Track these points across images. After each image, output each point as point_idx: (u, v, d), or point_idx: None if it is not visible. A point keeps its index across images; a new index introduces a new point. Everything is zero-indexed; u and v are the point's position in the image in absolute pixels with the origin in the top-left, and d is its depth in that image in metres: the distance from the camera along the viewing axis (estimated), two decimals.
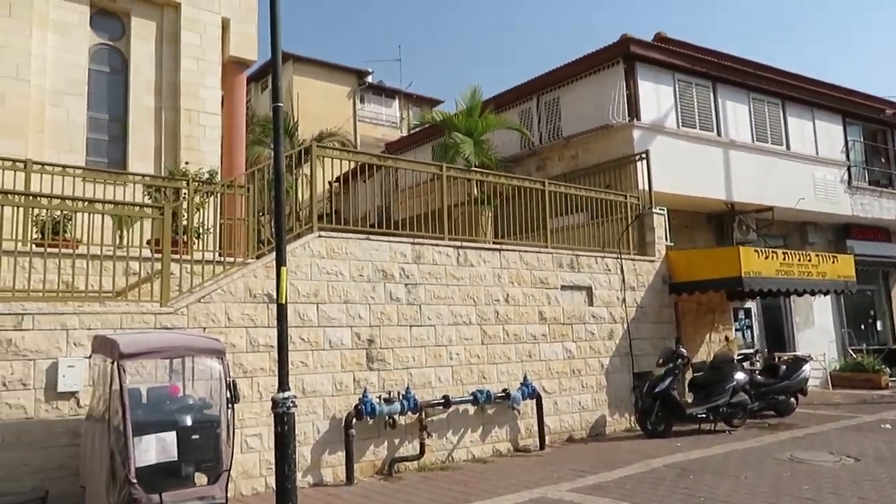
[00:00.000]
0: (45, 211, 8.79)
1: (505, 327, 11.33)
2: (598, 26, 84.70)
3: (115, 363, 6.17)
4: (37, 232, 9.08)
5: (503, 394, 10.74)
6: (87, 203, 8.72)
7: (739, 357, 14.03)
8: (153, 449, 6.07)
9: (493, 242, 12.17)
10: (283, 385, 6.91)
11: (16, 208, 8.32)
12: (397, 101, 34.30)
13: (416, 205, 12.33)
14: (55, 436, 7.21)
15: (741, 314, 17.30)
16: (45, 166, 10.00)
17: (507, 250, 11.75)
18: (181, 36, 14.66)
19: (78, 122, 13.54)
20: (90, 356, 7.24)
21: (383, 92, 34.04)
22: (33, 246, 8.61)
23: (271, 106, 7.62)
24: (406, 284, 10.31)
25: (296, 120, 23.46)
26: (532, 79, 17.79)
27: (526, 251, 12.00)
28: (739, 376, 12.52)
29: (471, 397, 10.44)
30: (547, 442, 11.15)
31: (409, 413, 9.67)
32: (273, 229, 9.58)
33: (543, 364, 11.73)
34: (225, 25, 15.50)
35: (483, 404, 10.54)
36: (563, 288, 12.34)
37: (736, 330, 16.51)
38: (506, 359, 11.24)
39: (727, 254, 13.81)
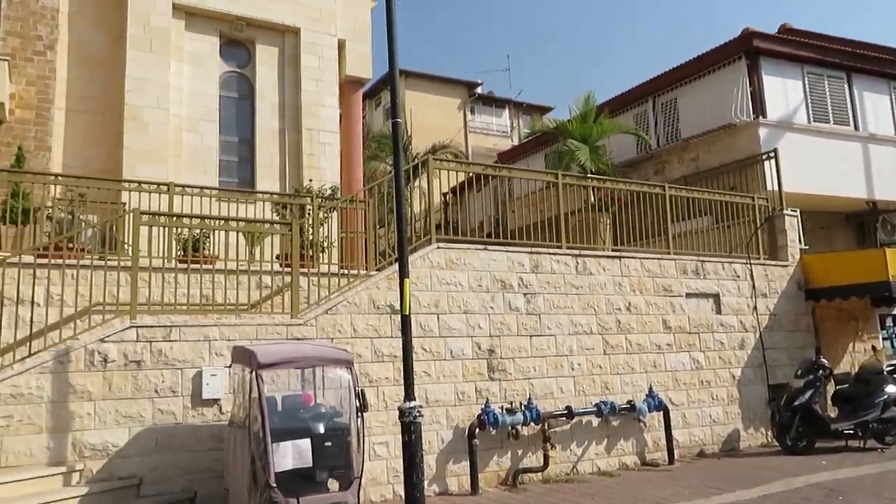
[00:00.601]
0: (186, 230, 9.43)
1: (627, 337, 11.01)
2: (712, 23, 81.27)
3: (253, 372, 6.49)
4: (179, 249, 9.74)
5: (628, 405, 10.42)
6: (222, 221, 9.26)
7: (889, 368, 12.90)
8: (290, 455, 6.32)
9: (613, 250, 11.87)
10: (408, 395, 7.04)
11: (161, 228, 8.96)
12: (507, 110, 34.35)
13: (531, 213, 12.26)
14: (201, 440, 7.68)
15: (889, 322, 15.92)
16: (185, 188, 10.72)
17: (628, 257, 11.42)
18: (301, 59, 15.38)
19: (211, 145, 14.49)
20: (230, 365, 7.67)
21: (493, 102, 34.19)
22: (176, 262, 9.23)
23: (390, 122, 7.82)
24: (525, 294, 10.25)
25: (409, 134, 23.98)
26: (647, 80, 17.29)
27: (647, 258, 11.62)
28: (891, 389, 11.49)
29: (594, 409, 10.19)
30: (676, 456, 10.70)
31: (532, 424, 9.57)
32: (392, 242, 9.83)
33: (669, 375, 11.29)
34: (341, 46, 16.12)
35: (607, 416, 10.26)
36: (689, 296, 11.84)
37: (883, 339, 15.19)
38: (629, 369, 10.91)
39: (872, 256, 12.76)
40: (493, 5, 79.70)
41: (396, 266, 8.02)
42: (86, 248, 9.16)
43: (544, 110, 34.17)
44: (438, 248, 9.77)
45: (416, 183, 17.47)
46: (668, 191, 12.48)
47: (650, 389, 10.78)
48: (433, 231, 10.04)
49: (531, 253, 10.52)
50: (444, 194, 20.47)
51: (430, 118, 29.47)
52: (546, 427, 9.64)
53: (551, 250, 10.77)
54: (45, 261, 8.05)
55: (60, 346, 7.38)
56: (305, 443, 6.43)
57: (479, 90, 33.39)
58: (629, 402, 10.47)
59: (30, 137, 12.62)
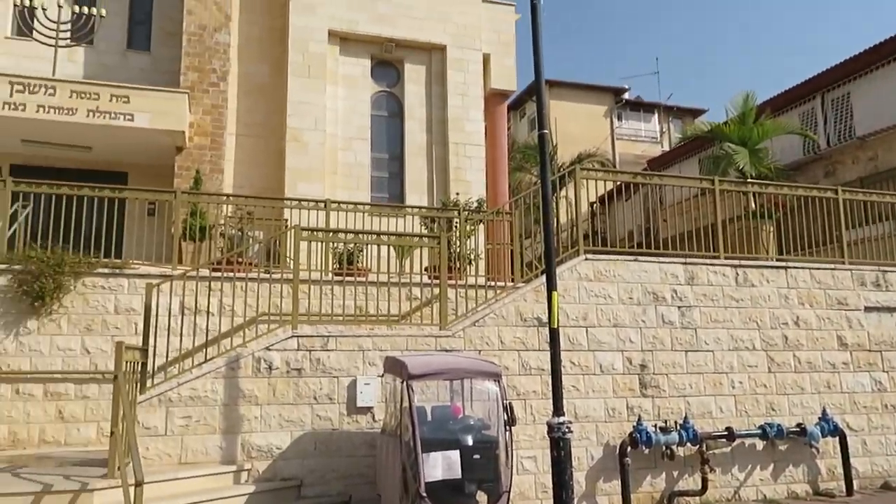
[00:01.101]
0: (341, 244, 9.91)
1: (796, 354, 10.14)
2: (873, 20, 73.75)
3: (404, 383, 6.65)
4: (335, 262, 10.26)
5: (797, 429, 9.58)
6: (374, 236, 9.62)
7: None
8: (440, 466, 6.40)
9: (777, 259, 11.02)
10: (557, 409, 6.90)
11: (319, 243, 9.47)
12: (656, 115, 33.13)
13: (684, 222, 11.68)
14: (356, 446, 8.00)
15: None
16: (340, 204, 11.28)
17: (795, 268, 10.54)
18: (447, 75, 15.74)
19: (364, 162, 15.18)
20: (382, 375, 7.93)
21: (641, 107, 33.11)
22: (333, 275, 9.71)
23: (536, 133, 7.76)
24: (679, 307, 9.75)
25: (555, 144, 23.77)
26: (814, 76, 16.00)
27: (818, 268, 10.66)
28: None
29: (759, 431, 9.46)
30: (855, 487, 9.67)
31: (689, 444, 9.05)
32: (538, 253, 9.74)
33: (846, 396, 10.26)
34: (486, 60, 16.32)
35: (773, 439, 9.49)
36: (868, 309, 10.71)
37: None
38: (798, 389, 10.03)
39: None
40: (640, 6, 77.32)
41: (544, 278, 7.92)
42: (253, 262, 9.89)
43: (696, 113, 32.60)
44: (586, 259, 9.55)
45: (563, 193, 17.23)
46: (841, 194, 11.40)
47: (824, 412, 9.85)
48: (581, 242, 9.83)
49: (686, 263, 10.00)
50: (592, 204, 20.06)
51: (575, 127, 29.05)
52: (704, 448, 9.08)
53: (708, 260, 10.18)
54: (218, 274, 8.76)
55: (231, 354, 7.99)
56: (455, 454, 6.49)
57: (626, 96, 32.47)
58: (799, 425, 9.62)
59: (206, 161, 13.87)
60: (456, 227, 11.21)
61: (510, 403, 6.90)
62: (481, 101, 16.03)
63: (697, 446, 9.07)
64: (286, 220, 11.95)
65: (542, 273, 8.92)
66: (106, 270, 9.22)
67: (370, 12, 15.37)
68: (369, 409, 8.17)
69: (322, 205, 11.00)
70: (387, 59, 15.85)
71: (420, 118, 15.77)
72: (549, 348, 7.10)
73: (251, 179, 14.75)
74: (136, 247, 10.75)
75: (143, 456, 7.04)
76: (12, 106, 12.23)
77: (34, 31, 13.72)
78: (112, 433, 6.45)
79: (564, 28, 69.67)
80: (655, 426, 9.02)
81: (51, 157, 13.96)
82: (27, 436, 8.59)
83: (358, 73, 15.50)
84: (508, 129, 24.53)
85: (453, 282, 9.58)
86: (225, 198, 11.57)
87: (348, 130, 15.15)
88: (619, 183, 15.59)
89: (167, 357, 8.38)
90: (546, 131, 7.60)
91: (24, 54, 14.36)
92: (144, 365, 7.81)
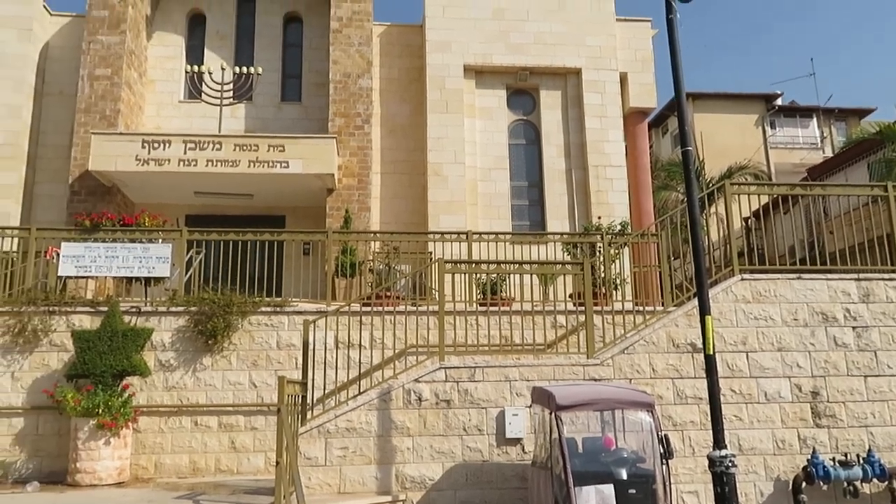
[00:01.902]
0: (484, 275, 10.01)
1: None
2: None
3: (553, 414, 6.54)
4: (479, 293, 10.37)
5: None
6: (517, 265, 9.62)
7: None
8: (593, 500, 6.20)
9: None
10: (718, 442, 6.47)
11: (463, 274, 9.63)
12: (815, 119, 30.69)
13: (854, 234, 10.68)
14: (506, 478, 7.94)
15: None
16: (482, 235, 11.42)
17: None
18: (584, 98, 15.59)
19: (503, 192, 15.31)
20: (530, 406, 7.85)
21: (797, 112, 30.82)
22: (477, 305, 9.81)
23: (680, 150, 7.45)
24: (854, 328, 8.87)
25: (701, 158, 22.73)
26: None
27: None
28: None
29: None
30: None
31: (875, 480, 8.15)
32: (689, 274, 9.28)
33: None
34: (623, 79, 15.99)
35: None
36: None
37: None
38: None
39: None
40: (786, 4, 72.57)
41: (695, 301, 7.54)
42: (400, 296, 10.22)
43: (862, 113, 29.84)
44: (742, 279, 8.97)
45: (712, 209, 16.38)
46: None
47: None
48: (735, 261, 9.25)
49: (859, 279, 9.11)
50: (745, 219, 18.86)
51: (722, 138, 27.59)
52: (894, 485, 8.14)
53: (885, 275, 9.21)
54: (368, 309, 9.13)
55: (383, 386, 8.26)
56: (609, 488, 6.27)
57: (778, 102, 30.41)
58: None
59: (354, 200, 14.60)
60: (599, 251, 10.97)
61: (666, 435, 6.57)
62: (620, 121, 15.69)
63: (886, 482, 8.15)
64: (430, 253, 12.30)
65: (693, 296, 8.49)
66: (268, 309, 9.90)
67: (503, 43, 15.61)
68: (518, 440, 8.10)
69: (464, 236, 11.19)
70: (522, 88, 15.98)
71: (558, 143, 15.69)
72: (705, 375, 6.72)
73: (396, 214, 15.34)
74: (294, 284, 11.47)
75: (305, 485, 7.43)
76: (186, 162, 13.58)
77: (202, 94, 15.21)
78: (277, 463, 6.85)
79: (705, 38, 66.78)
80: (833, 460, 8.22)
81: (218, 205, 15.30)
82: (205, 464, 9.34)
83: (494, 103, 15.73)
84: (650, 146, 23.79)
85: (599, 308, 9.35)
86: (372, 235, 12.08)
87: (487, 161, 15.38)
88: (773, 196, 14.61)
89: (324, 389, 8.83)
90: (690, 148, 7.28)
91: (195, 115, 15.96)
92: (304, 398, 8.25)
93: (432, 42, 15.45)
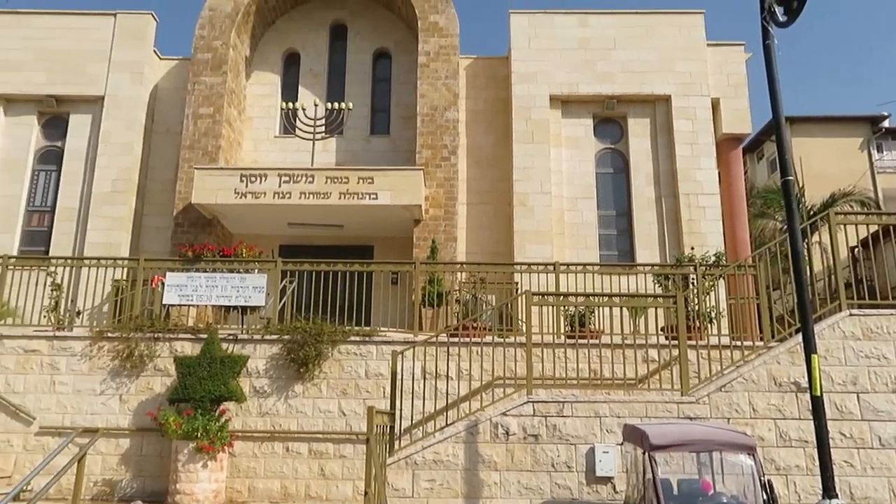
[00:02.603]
0: (572, 306, 9.85)
1: None
2: None
3: (646, 454, 6.31)
4: (566, 325, 10.20)
5: None
6: (606, 298, 9.42)
7: None
8: None
9: None
10: (828, 489, 6.08)
11: (550, 307, 9.51)
12: None
13: None
14: None
15: None
16: (569, 266, 11.26)
17: None
18: (673, 125, 15.24)
19: (590, 221, 15.10)
20: (622, 443, 7.61)
21: None
22: (565, 338, 9.65)
23: (780, 178, 7.15)
24: None
25: (801, 185, 21.71)
26: None
27: None
28: None
29: None
30: None
31: None
32: (790, 307, 8.83)
33: None
34: (714, 105, 15.55)
35: None
36: None
37: None
38: None
39: None
40: (884, 16, 68.80)
41: (798, 337, 7.19)
42: (486, 326, 10.18)
43: None
44: (851, 314, 8.46)
45: (815, 238, 15.60)
46: None
47: None
48: (842, 295, 8.74)
49: None
50: (852, 249, 17.82)
51: (824, 164, 26.27)
52: None
53: None
54: (455, 340, 9.15)
55: (470, 419, 8.22)
56: None
57: (885, 124, 28.72)
58: None
59: (440, 231, 14.74)
60: (693, 283, 10.60)
61: (769, 480, 6.20)
62: (712, 147, 15.23)
63: None
64: (516, 283, 12.23)
65: (796, 331, 8.07)
66: (357, 338, 10.08)
67: (590, 73, 15.52)
68: (609, 478, 7.86)
69: (551, 267, 11.07)
70: (609, 116, 15.80)
71: (647, 172, 15.37)
72: (811, 417, 6.35)
73: (482, 244, 15.37)
74: (382, 313, 11.64)
75: None
76: (280, 195, 14.13)
77: (296, 129, 15.85)
78: (366, 493, 6.92)
79: (802, 61, 64.17)
80: None
81: (310, 236, 15.80)
82: (295, 490, 9.52)
83: (580, 133, 15.61)
84: (745, 173, 22.97)
85: (693, 342, 9.01)
86: (459, 266, 12.15)
87: (573, 190, 15.24)
88: (882, 225, 13.76)
89: (412, 419, 8.87)
90: (791, 178, 6.98)
91: (289, 149, 16.64)
92: (392, 428, 8.31)
93: (518, 73, 15.54)
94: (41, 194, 15.84)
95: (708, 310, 10.12)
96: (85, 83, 15.89)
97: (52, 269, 11.48)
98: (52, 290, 11.15)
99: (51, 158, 16.05)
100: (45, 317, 10.95)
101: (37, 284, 10.88)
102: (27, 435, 9.71)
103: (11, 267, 10.98)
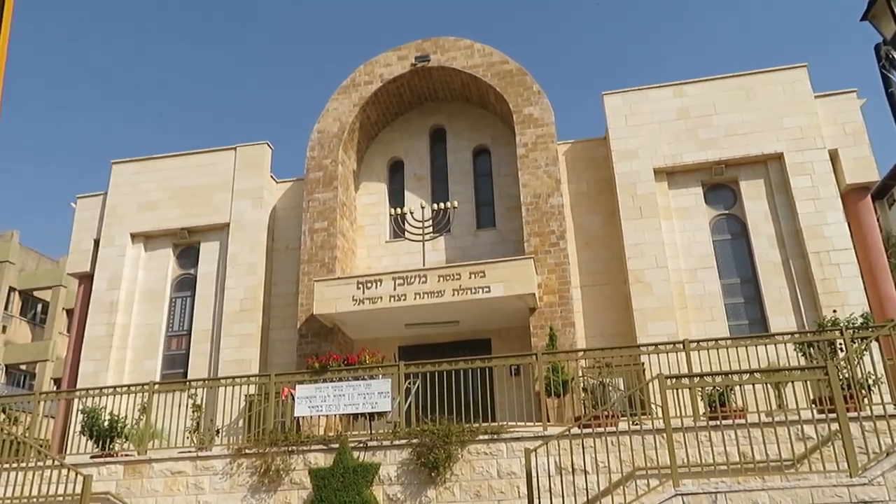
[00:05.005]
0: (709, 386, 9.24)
1: None
2: None
3: None
4: (705, 405, 9.56)
5: None
6: (747, 375, 8.78)
7: None
8: None
9: None
10: None
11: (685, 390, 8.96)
12: None
13: None
14: None
15: None
16: (700, 343, 10.66)
17: None
18: (790, 182, 14.55)
19: (714, 291, 14.39)
20: None
21: None
22: (707, 420, 9.01)
23: None
24: None
25: None
26: None
27: None
28: None
29: None
30: None
31: None
32: None
33: None
34: (833, 156, 14.77)
35: None
36: None
37: None
38: None
39: None
40: None
41: None
42: (616, 413, 9.70)
43: None
44: None
45: None
46: None
47: None
48: None
49: None
50: None
51: None
52: None
53: None
54: (589, 430, 8.75)
55: None
56: None
57: None
58: None
59: (557, 317, 14.49)
60: (841, 349, 9.74)
61: None
62: (837, 200, 14.33)
63: None
64: (643, 364, 11.69)
65: None
66: (486, 437, 9.85)
67: (692, 141, 15.23)
68: None
69: (680, 345, 10.52)
70: (719, 182, 15.31)
71: (768, 234, 14.62)
72: None
73: (601, 327, 14.95)
74: (505, 406, 11.39)
75: None
76: (396, 297, 14.45)
77: (406, 233, 16.35)
78: None
79: None
80: None
81: (427, 335, 15.94)
82: None
83: (690, 202, 15.18)
84: (877, 220, 21.41)
85: (853, 414, 8.17)
86: (582, 353, 11.80)
87: (691, 262, 14.67)
88: None
89: None
90: None
91: (400, 252, 17.15)
92: None
93: (618, 151, 15.47)
94: (178, 319, 17.00)
95: (864, 377, 9.21)
96: (212, 213, 17.24)
97: (193, 390, 12.11)
98: (193, 412, 11.73)
99: (185, 285, 17.31)
100: (187, 437, 11.48)
101: (178, 406, 11.47)
102: None
103: (157, 392, 11.66)
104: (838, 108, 15.14)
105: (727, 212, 15.23)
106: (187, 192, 17.54)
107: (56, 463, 9.41)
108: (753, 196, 14.96)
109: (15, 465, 9.72)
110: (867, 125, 15.23)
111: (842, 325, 10.16)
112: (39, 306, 36.59)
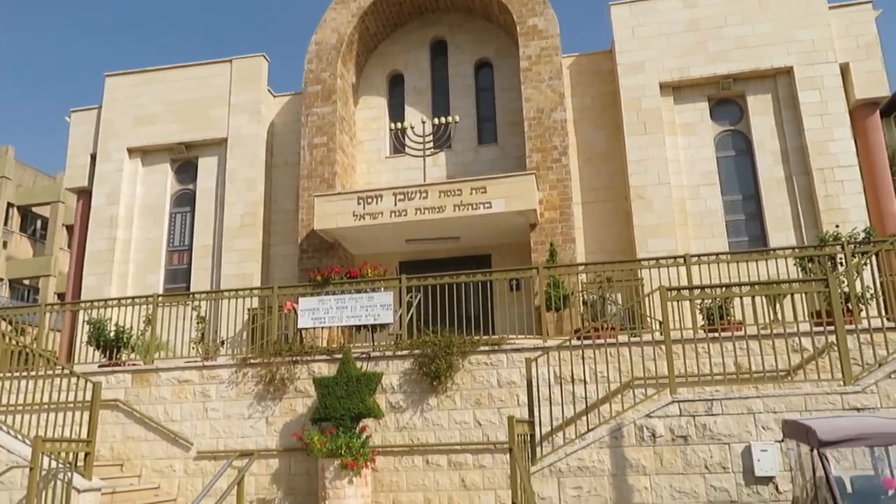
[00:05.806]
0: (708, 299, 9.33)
1: None
2: None
3: (814, 451, 5.81)
4: (703, 319, 9.68)
5: None
6: (747, 288, 8.84)
7: None
8: None
9: None
10: None
11: (685, 301, 9.05)
12: None
13: None
14: None
15: None
16: (700, 258, 10.69)
17: None
18: (799, 97, 14.26)
19: (715, 208, 14.35)
20: (781, 440, 7.08)
21: None
22: (706, 332, 9.13)
23: None
24: None
25: None
26: None
27: None
28: None
29: None
30: None
31: None
32: None
33: None
34: (844, 70, 14.43)
35: None
36: None
37: None
38: None
39: None
40: None
41: None
42: (615, 326, 9.83)
43: None
44: None
45: None
46: None
47: None
48: None
49: None
50: None
51: None
52: None
53: None
54: (589, 342, 8.90)
55: (612, 423, 7.93)
56: None
57: None
58: None
59: (557, 233, 14.50)
60: (840, 264, 9.78)
61: None
62: (846, 116, 14.09)
63: None
64: (641, 279, 11.78)
65: None
66: (486, 348, 10.02)
67: (701, 54, 14.83)
68: (770, 478, 7.33)
69: (681, 260, 10.56)
70: (726, 97, 15.01)
71: (773, 150, 14.45)
72: None
73: (602, 243, 14.98)
74: (505, 320, 11.55)
75: None
76: (397, 213, 14.40)
77: (406, 148, 16.14)
78: (514, 503, 6.80)
79: None
80: None
81: (427, 250, 15.98)
82: (438, 502, 9.56)
83: (696, 118, 14.92)
84: (884, 138, 21.10)
85: (851, 327, 8.29)
86: (583, 266, 11.85)
87: (693, 178, 14.56)
88: None
89: (551, 426, 8.69)
90: None
91: (400, 168, 16.98)
92: (532, 436, 8.17)
93: (624, 65, 15.08)
94: (178, 234, 17.01)
95: (863, 291, 9.30)
96: (209, 128, 16.96)
97: (196, 303, 12.24)
98: (197, 323, 11.88)
99: (184, 201, 17.23)
100: (192, 348, 11.68)
101: (182, 318, 11.62)
102: (187, 460, 10.34)
103: (161, 304, 11.78)
104: (852, 19, 14.67)
105: (732, 128, 15.01)
106: (184, 106, 17.19)
107: (66, 371, 9.58)
108: (760, 111, 14.70)
109: (25, 373, 9.91)
110: (881, 38, 14.79)
111: (843, 239, 10.17)
112: (39, 222, 36.59)
